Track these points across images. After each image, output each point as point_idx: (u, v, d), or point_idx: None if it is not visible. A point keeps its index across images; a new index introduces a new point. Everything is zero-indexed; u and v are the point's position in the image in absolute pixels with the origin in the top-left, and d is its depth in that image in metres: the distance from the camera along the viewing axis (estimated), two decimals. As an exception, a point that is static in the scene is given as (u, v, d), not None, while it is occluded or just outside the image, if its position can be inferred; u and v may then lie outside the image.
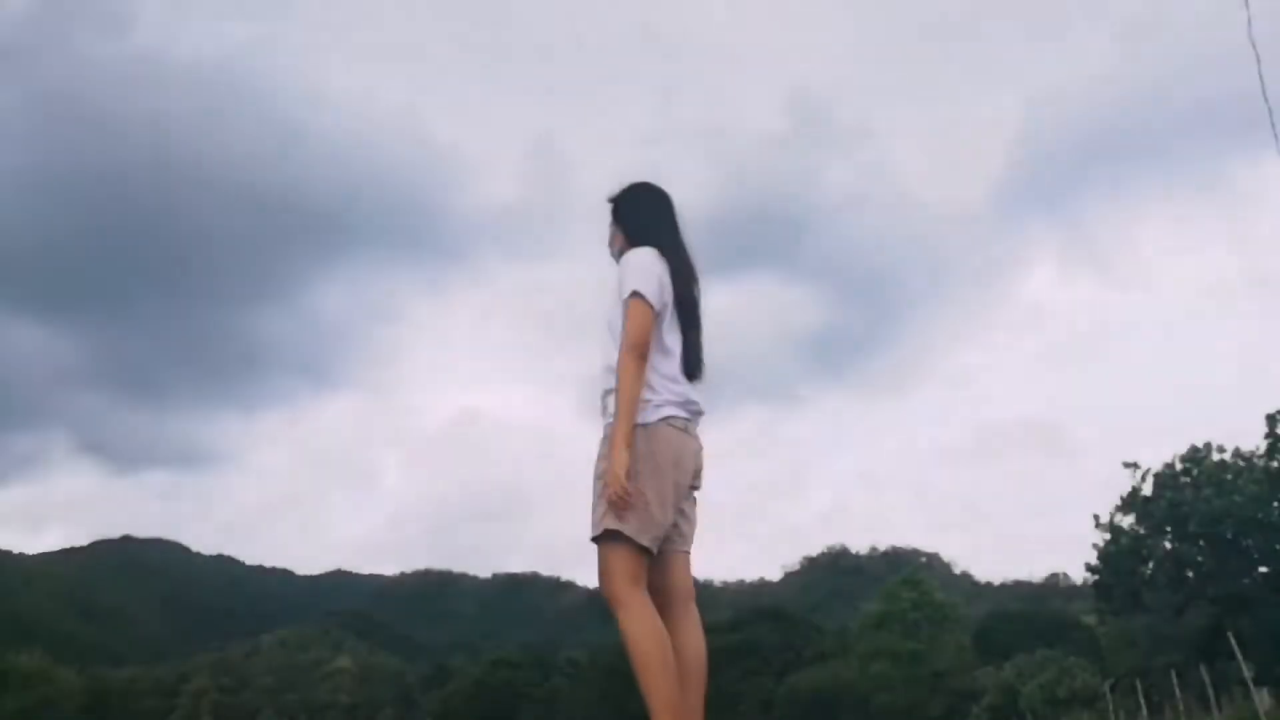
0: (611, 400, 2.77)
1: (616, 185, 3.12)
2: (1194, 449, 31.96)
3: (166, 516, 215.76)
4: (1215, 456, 31.58)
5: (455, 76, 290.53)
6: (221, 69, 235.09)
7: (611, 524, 2.66)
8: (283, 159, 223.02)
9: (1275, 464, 30.13)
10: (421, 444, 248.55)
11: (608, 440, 2.74)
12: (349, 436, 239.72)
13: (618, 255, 2.99)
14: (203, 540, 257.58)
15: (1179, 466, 32.03)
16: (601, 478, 2.70)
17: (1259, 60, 4.45)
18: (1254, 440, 31.71)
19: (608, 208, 3.10)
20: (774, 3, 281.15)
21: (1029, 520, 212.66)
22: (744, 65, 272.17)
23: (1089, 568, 34.27)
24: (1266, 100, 4.38)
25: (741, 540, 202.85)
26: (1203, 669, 21.68)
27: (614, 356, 2.78)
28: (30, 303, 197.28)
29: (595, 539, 2.70)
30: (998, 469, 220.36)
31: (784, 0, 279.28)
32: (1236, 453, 31.42)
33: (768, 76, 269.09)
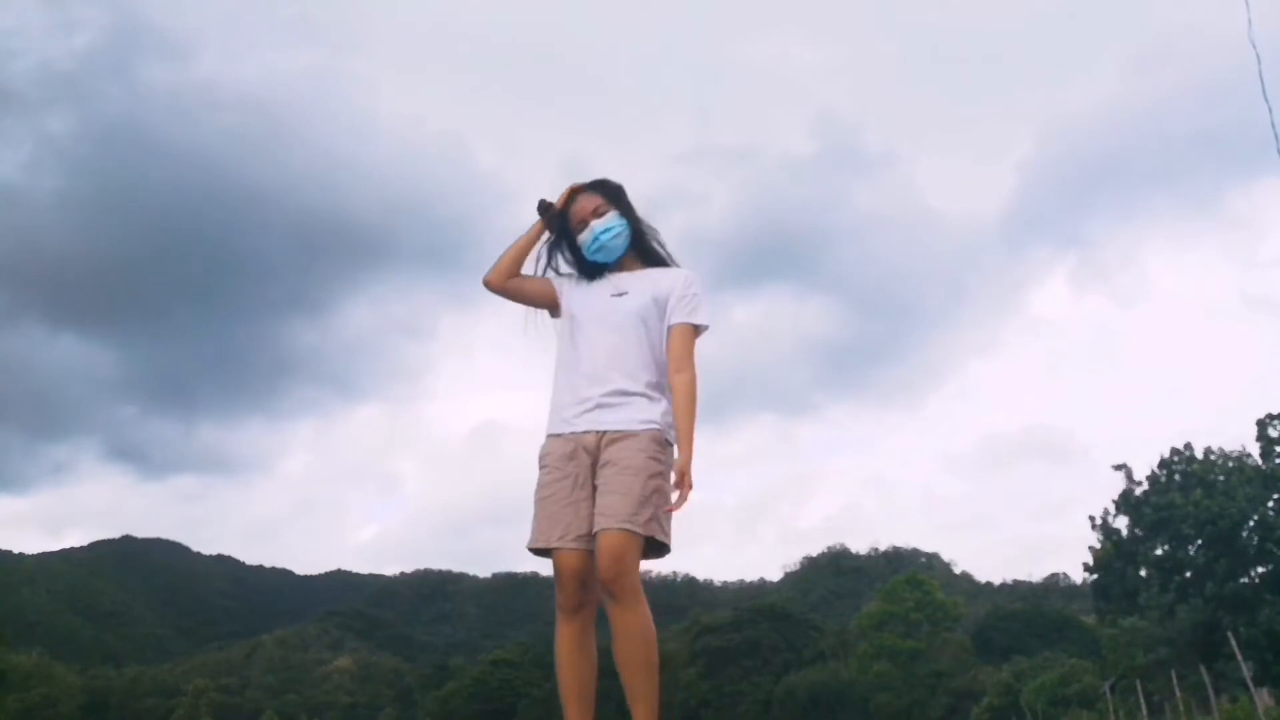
0: (656, 409, 2.77)
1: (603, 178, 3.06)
2: (1176, 451, 31.99)
3: (185, 520, 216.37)
4: (1199, 457, 31.63)
5: (498, 103, 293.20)
6: (275, 96, 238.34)
7: (661, 533, 2.68)
8: (328, 183, 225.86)
9: (1268, 466, 30.15)
10: (440, 454, 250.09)
11: (667, 447, 2.75)
12: (371, 446, 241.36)
13: (608, 233, 2.92)
14: (205, 540, 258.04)
15: (1166, 469, 32.10)
16: (656, 479, 2.68)
17: (1259, 60, 4.45)
18: (1239, 443, 31.84)
19: (597, 185, 3.01)
20: (802, 30, 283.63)
21: (1030, 522, 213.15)
22: (772, 90, 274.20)
23: (1086, 568, 34.34)
24: (1266, 100, 4.38)
25: (743, 542, 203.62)
26: (1203, 669, 21.66)
27: (643, 354, 2.80)
28: (73, 319, 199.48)
29: (636, 533, 2.63)
30: (1001, 474, 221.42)
31: (811, 28, 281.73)
32: (1220, 453, 31.47)
33: (795, 101, 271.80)
